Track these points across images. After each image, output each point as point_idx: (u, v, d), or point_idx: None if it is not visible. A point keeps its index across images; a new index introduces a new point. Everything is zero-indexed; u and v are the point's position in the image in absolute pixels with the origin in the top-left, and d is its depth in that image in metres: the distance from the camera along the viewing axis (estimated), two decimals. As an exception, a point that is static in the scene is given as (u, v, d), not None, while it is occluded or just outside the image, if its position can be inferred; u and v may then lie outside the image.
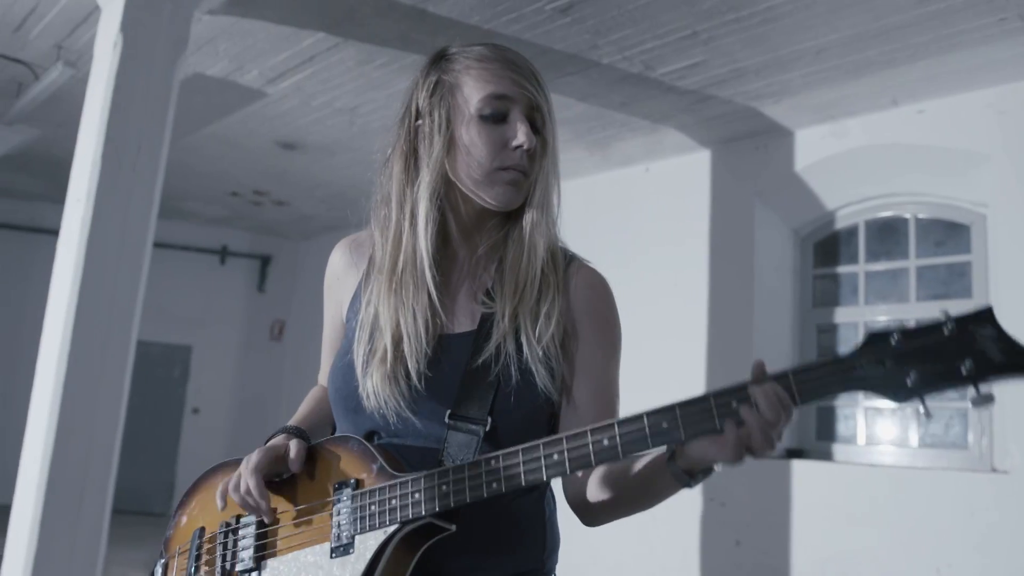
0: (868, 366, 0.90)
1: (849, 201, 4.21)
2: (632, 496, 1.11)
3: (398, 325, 1.17)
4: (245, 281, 7.81)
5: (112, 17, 3.01)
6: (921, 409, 0.89)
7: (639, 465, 1.08)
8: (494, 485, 1.01)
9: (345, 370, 1.21)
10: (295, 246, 7.94)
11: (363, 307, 1.22)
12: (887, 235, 4.13)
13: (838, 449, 4.07)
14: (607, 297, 1.25)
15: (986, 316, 0.91)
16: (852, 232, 4.25)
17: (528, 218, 1.20)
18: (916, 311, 3.93)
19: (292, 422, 1.29)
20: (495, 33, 3.45)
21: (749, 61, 3.53)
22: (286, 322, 7.78)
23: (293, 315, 7.75)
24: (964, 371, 0.87)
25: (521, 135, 1.14)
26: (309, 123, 4.79)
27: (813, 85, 3.70)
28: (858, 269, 4.18)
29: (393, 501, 1.06)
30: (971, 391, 0.88)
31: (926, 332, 0.91)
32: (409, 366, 1.16)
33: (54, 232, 7.10)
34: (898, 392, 0.90)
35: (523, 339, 1.16)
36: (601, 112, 4.23)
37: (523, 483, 0.99)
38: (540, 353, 1.15)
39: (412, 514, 1.05)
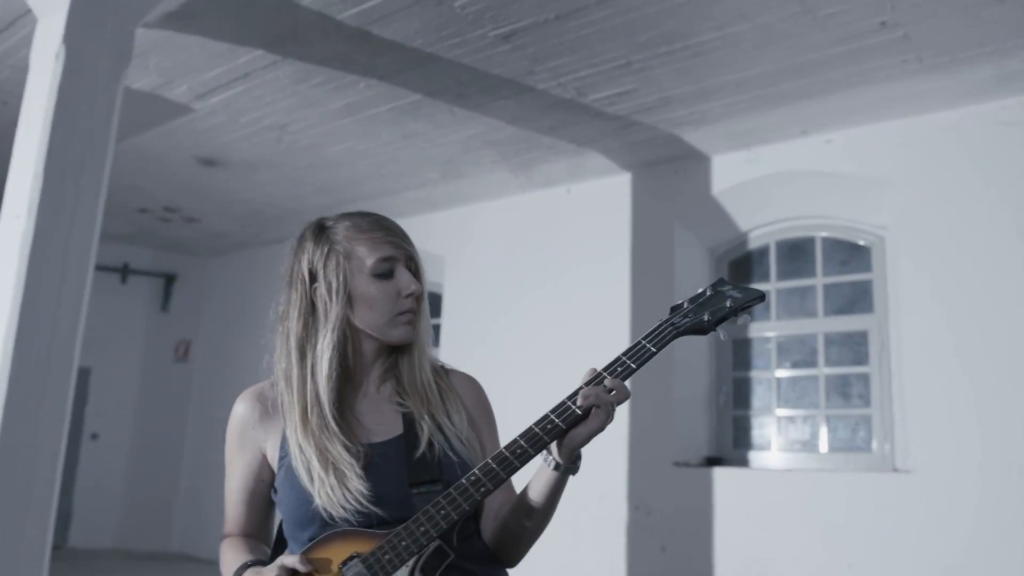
0: (680, 319, 1.48)
1: (761, 223, 4.50)
2: (537, 510, 1.41)
3: (325, 456, 1.41)
4: (148, 300, 7.56)
5: (53, 28, 2.94)
6: (722, 335, 1.48)
7: (533, 487, 1.39)
8: (465, 505, 1.31)
9: (299, 497, 1.41)
10: (203, 264, 7.74)
11: (292, 448, 1.44)
12: (796, 255, 4.43)
13: (754, 456, 4.33)
14: (482, 390, 1.61)
15: (723, 281, 1.54)
16: (764, 252, 4.54)
17: (417, 344, 1.53)
18: (824, 325, 4.24)
19: (238, 565, 1.43)
20: (437, 56, 3.55)
21: (676, 91, 3.75)
22: (192, 342, 7.57)
23: (200, 335, 7.55)
24: (728, 306, 1.46)
25: (410, 285, 1.48)
26: (234, 139, 4.74)
27: (732, 114, 3.96)
28: (770, 287, 4.46)
29: (401, 544, 1.31)
30: (734, 317, 1.46)
31: (702, 295, 1.51)
32: (350, 484, 1.39)
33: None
34: (703, 327, 1.46)
35: (446, 431, 1.47)
36: (529, 135, 4.38)
37: (478, 497, 1.31)
38: (463, 436, 1.49)
39: (424, 541, 1.30)
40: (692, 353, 4.42)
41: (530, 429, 1.34)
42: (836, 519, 3.72)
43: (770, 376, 4.39)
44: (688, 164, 4.49)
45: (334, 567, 1.33)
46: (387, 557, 1.31)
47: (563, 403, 1.35)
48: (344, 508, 1.36)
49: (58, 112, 2.85)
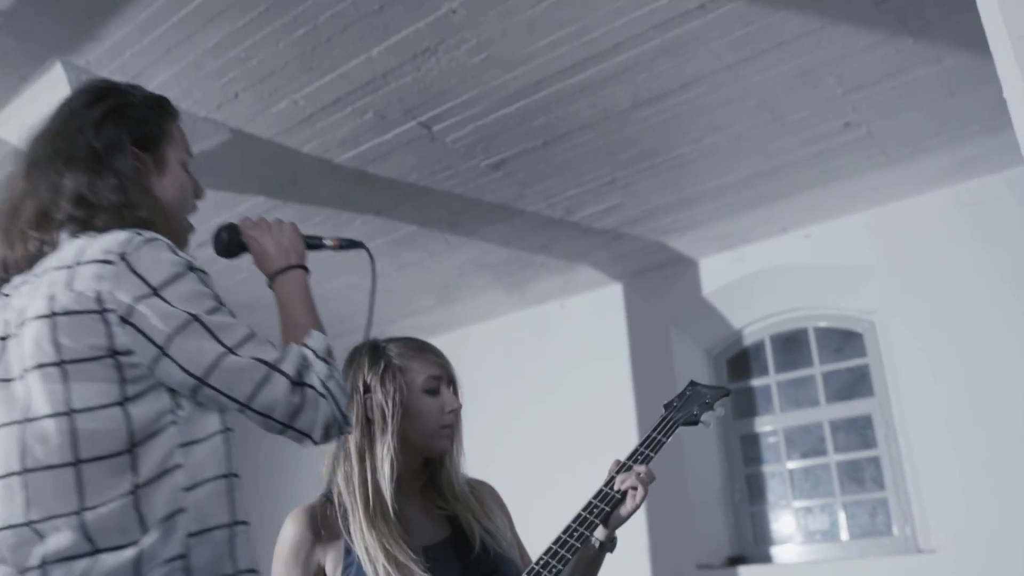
0: (676, 414, 1.81)
1: (754, 319, 4.64)
2: None
3: (391, 553, 1.52)
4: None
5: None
6: (707, 423, 1.83)
7: (576, 570, 1.61)
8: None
9: None
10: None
11: (359, 549, 1.55)
12: (792, 347, 4.56)
13: (776, 551, 4.31)
14: (500, 496, 1.85)
15: (693, 382, 1.92)
16: (759, 347, 4.66)
17: (453, 455, 1.73)
18: (827, 412, 4.32)
19: None
20: (431, 189, 3.74)
21: (659, 201, 3.95)
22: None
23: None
24: (707, 400, 1.83)
25: (453, 402, 1.70)
26: (234, 284, 4.84)
27: (714, 218, 4.15)
28: (770, 380, 4.56)
29: None
30: (707, 414, 1.81)
31: (683, 395, 1.87)
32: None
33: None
34: (694, 419, 1.81)
35: (492, 532, 1.65)
36: (521, 255, 4.54)
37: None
38: (507, 537, 1.69)
39: None
40: (702, 453, 4.46)
41: (580, 515, 1.57)
42: (867, 607, 3.70)
43: (782, 469, 4.43)
44: (677, 269, 4.66)
45: None
46: None
47: (602, 490, 1.62)
48: None
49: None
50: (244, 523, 1.16)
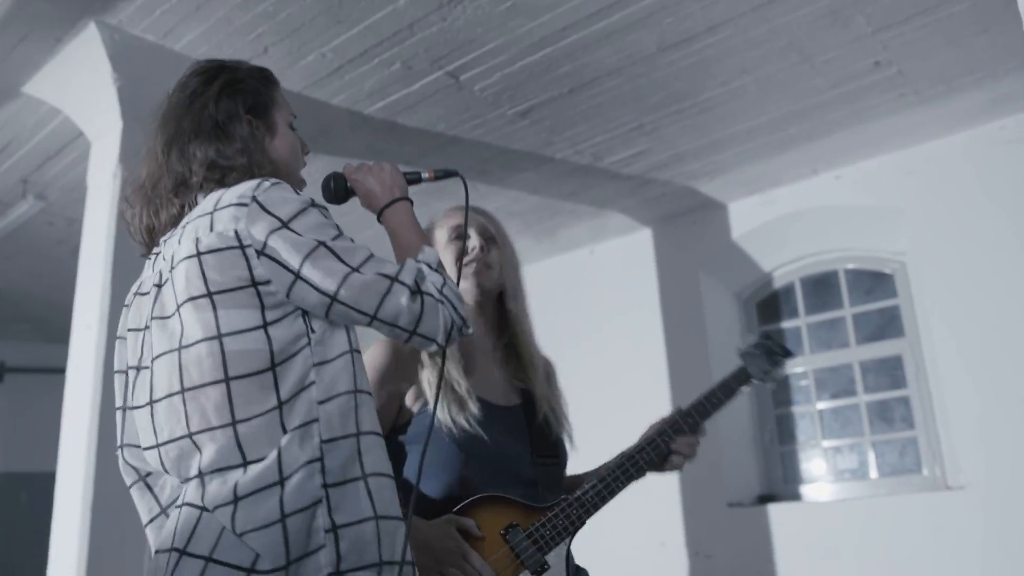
0: (750, 369, 1.91)
1: (783, 262, 4.64)
2: None
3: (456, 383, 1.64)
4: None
5: (108, 150, 3.16)
6: (772, 384, 1.94)
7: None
8: (608, 496, 1.61)
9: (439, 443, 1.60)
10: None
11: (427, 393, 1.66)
12: (821, 289, 4.56)
13: (806, 490, 4.38)
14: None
15: (768, 334, 1.96)
16: (789, 290, 4.67)
17: (525, 328, 1.85)
18: (857, 354, 4.34)
19: None
20: (459, 139, 3.77)
21: (688, 146, 3.95)
22: None
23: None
24: (775, 360, 1.90)
25: (467, 250, 1.82)
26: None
27: (744, 162, 4.14)
28: (800, 322, 4.58)
29: (560, 522, 1.53)
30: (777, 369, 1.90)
31: (759, 345, 1.93)
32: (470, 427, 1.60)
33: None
34: (762, 378, 1.90)
35: (556, 415, 1.74)
36: (550, 203, 4.57)
37: (617, 491, 1.64)
38: (566, 424, 1.79)
39: (579, 524, 1.55)
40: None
41: (630, 457, 1.70)
42: (894, 543, 3.77)
43: (811, 409, 4.47)
44: (706, 213, 4.66)
45: (494, 533, 1.49)
46: (548, 533, 1.51)
47: (655, 440, 1.73)
48: (465, 423, 1.57)
49: (120, 226, 3.05)
50: (371, 433, 1.27)
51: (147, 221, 1.43)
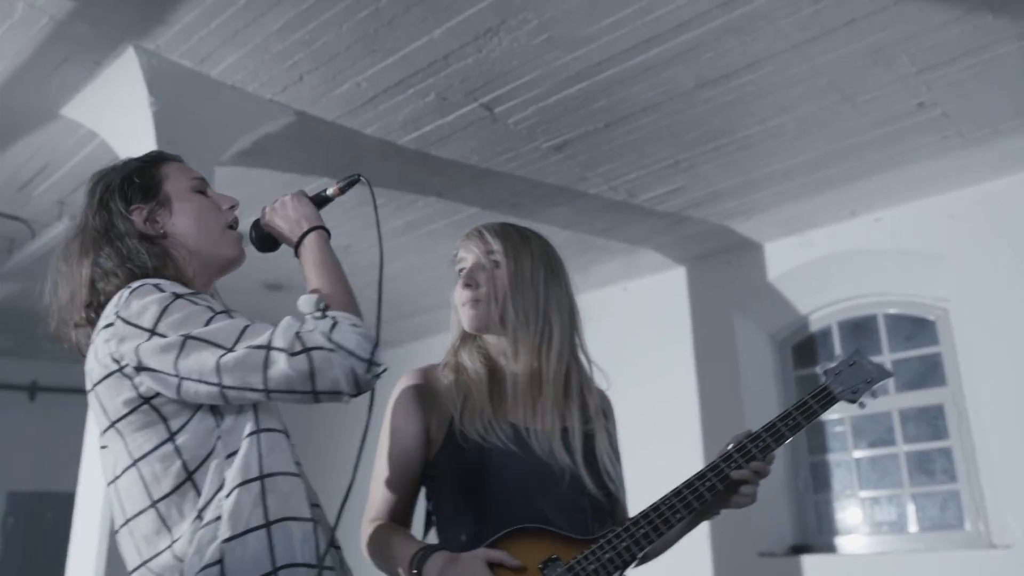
0: (833, 387, 1.62)
1: (820, 305, 4.53)
2: (668, 542, 1.64)
3: (487, 421, 1.55)
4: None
5: (142, 174, 3.18)
6: (863, 405, 1.65)
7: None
8: (662, 527, 1.45)
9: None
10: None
11: (456, 420, 1.57)
12: (860, 333, 4.44)
13: (841, 541, 4.23)
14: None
15: (859, 351, 1.69)
16: (826, 333, 4.55)
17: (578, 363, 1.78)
18: (897, 402, 4.20)
19: (414, 551, 1.47)
20: (492, 171, 3.74)
21: (724, 184, 3.88)
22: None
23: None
24: (868, 378, 1.64)
25: (459, 290, 1.72)
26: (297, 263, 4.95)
27: (781, 202, 4.06)
28: (836, 367, 4.45)
29: (606, 555, 1.39)
30: (869, 388, 1.64)
31: (847, 363, 1.66)
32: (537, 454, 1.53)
33: (19, 388, 6.93)
34: (851, 398, 1.62)
35: (606, 453, 1.64)
36: (583, 238, 4.52)
37: (674, 522, 1.47)
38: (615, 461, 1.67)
39: (628, 558, 1.40)
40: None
41: (692, 485, 1.52)
42: (934, 602, 3.61)
43: (848, 458, 4.33)
44: (742, 253, 4.58)
45: (531, 568, 1.38)
46: (592, 567, 1.39)
47: (719, 466, 1.54)
48: (497, 441, 1.50)
49: (149, 250, 3.06)
50: (284, 520, 1.21)
51: (77, 341, 1.40)
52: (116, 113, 3.16)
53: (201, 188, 1.49)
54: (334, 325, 1.20)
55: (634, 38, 2.84)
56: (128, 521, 1.23)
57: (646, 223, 4.31)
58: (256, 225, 1.51)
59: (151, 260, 1.35)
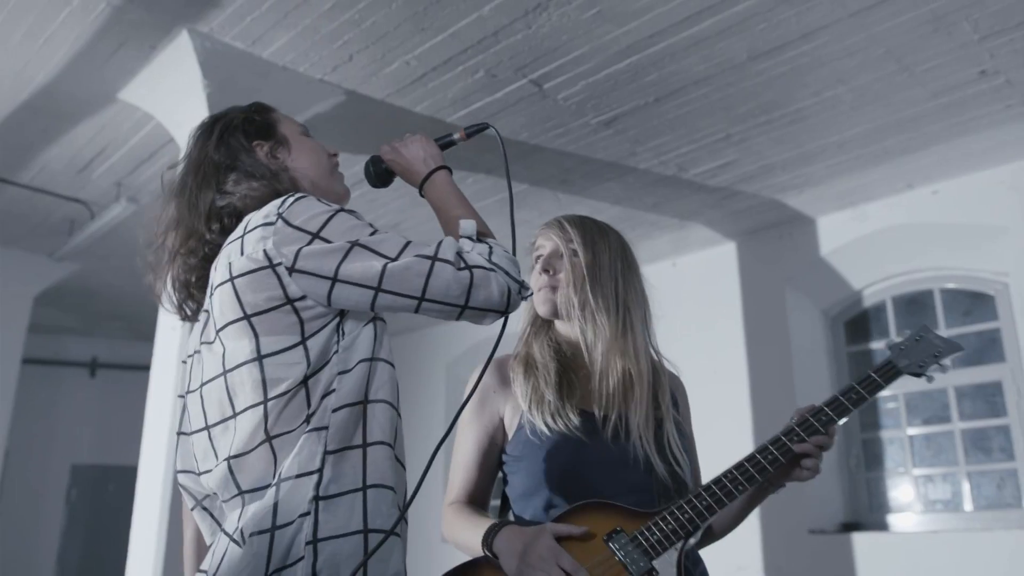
0: (897, 362, 1.58)
1: (874, 280, 4.45)
2: (738, 517, 1.66)
3: (557, 408, 1.58)
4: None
5: (197, 155, 3.24)
6: (930, 378, 1.59)
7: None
8: (724, 499, 1.46)
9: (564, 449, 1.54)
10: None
11: (525, 410, 1.62)
12: (915, 309, 4.36)
13: (893, 519, 4.18)
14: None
15: (926, 327, 1.65)
16: (880, 309, 4.48)
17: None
18: (952, 378, 4.12)
19: (486, 529, 1.51)
20: (542, 147, 3.73)
21: (777, 157, 3.82)
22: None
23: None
24: (935, 352, 1.59)
25: (536, 277, 1.76)
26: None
27: (835, 175, 3.99)
28: (891, 343, 4.38)
29: (668, 526, 1.42)
30: (937, 362, 1.59)
31: (913, 338, 1.62)
32: (603, 437, 1.55)
33: (80, 364, 7.13)
34: (916, 372, 1.58)
35: (678, 429, 1.66)
36: (632, 213, 4.49)
37: (736, 495, 1.47)
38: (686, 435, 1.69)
39: (691, 528, 1.42)
40: (817, 416, 4.35)
41: (755, 459, 1.52)
42: (991, 581, 3.56)
43: (901, 435, 4.27)
44: (794, 228, 4.51)
45: (596, 539, 1.41)
46: (655, 537, 1.41)
47: (781, 440, 1.53)
48: (564, 428, 1.52)
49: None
50: (379, 443, 1.25)
51: (182, 277, 1.43)
52: (171, 96, 3.22)
53: (307, 133, 1.56)
54: (491, 249, 1.28)
55: (685, 10, 2.80)
56: (240, 413, 1.24)
57: (696, 198, 4.27)
58: (376, 160, 1.54)
59: (286, 183, 1.42)
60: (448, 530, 1.59)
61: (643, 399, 1.60)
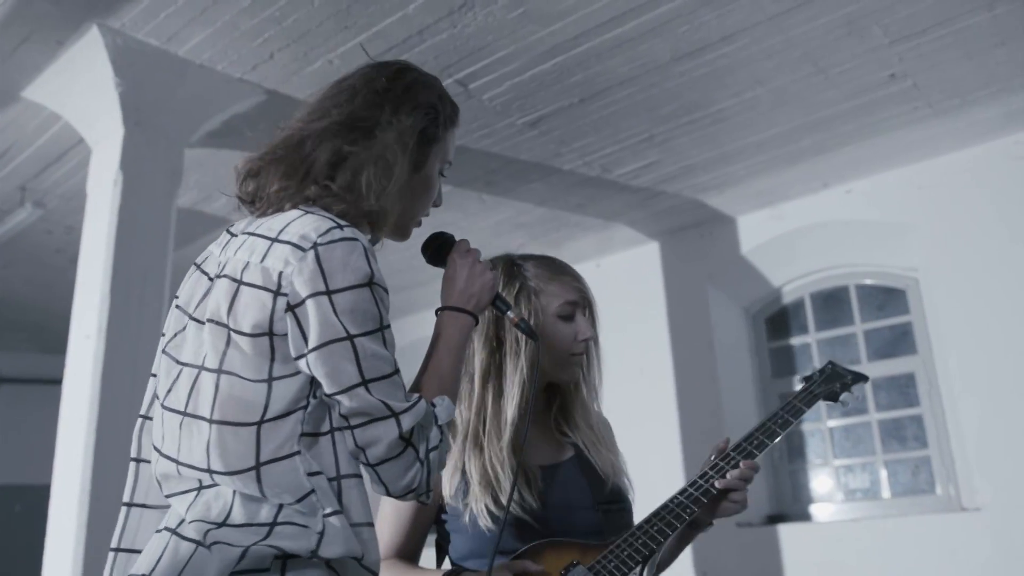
0: (814, 390, 1.69)
1: (793, 277, 4.58)
2: (674, 553, 1.61)
3: (486, 471, 1.48)
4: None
5: (109, 156, 3.10)
6: (845, 403, 1.71)
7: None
8: (672, 521, 1.44)
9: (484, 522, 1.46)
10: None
11: (468, 474, 1.51)
12: (832, 304, 4.50)
13: (816, 509, 4.30)
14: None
15: (832, 363, 1.78)
16: (799, 305, 4.60)
17: (589, 385, 1.65)
18: (869, 371, 4.23)
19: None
20: (467, 148, 3.71)
21: (698, 158, 3.89)
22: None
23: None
24: (843, 384, 1.71)
25: (587, 330, 1.58)
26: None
27: (753, 175, 4.08)
28: (810, 339, 4.51)
29: (624, 553, 1.40)
30: (845, 393, 1.70)
31: (823, 372, 1.74)
32: (528, 497, 1.47)
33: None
34: (832, 397, 1.68)
35: (614, 468, 1.58)
36: (557, 214, 4.51)
37: (686, 518, 1.45)
38: (626, 474, 1.61)
39: (647, 553, 1.39)
40: (740, 412, 4.44)
41: (677, 501, 1.49)
42: (907, 565, 3.68)
43: (822, 427, 4.40)
44: (714, 227, 4.60)
45: (554, 572, 1.39)
46: (613, 564, 1.39)
47: (698, 482, 1.51)
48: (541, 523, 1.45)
49: (119, 233, 2.99)
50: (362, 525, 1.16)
51: (251, 188, 1.30)
52: (80, 94, 3.08)
53: (444, 173, 1.40)
54: (438, 444, 1.17)
55: (610, 11, 2.82)
56: (191, 416, 1.15)
57: (620, 198, 4.31)
58: (447, 245, 1.40)
59: (373, 201, 1.25)
60: None
61: (591, 440, 1.60)
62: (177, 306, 1.27)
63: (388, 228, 1.31)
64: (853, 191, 4.17)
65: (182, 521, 1.12)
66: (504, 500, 1.42)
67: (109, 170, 3.08)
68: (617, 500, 1.54)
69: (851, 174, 4.12)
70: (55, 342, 3.46)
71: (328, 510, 1.11)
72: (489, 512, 1.43)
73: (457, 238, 1.41)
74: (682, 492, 1.49)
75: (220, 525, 1.09)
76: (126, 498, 1.24)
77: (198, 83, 3.09)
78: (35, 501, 3.32)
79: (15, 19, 2.77)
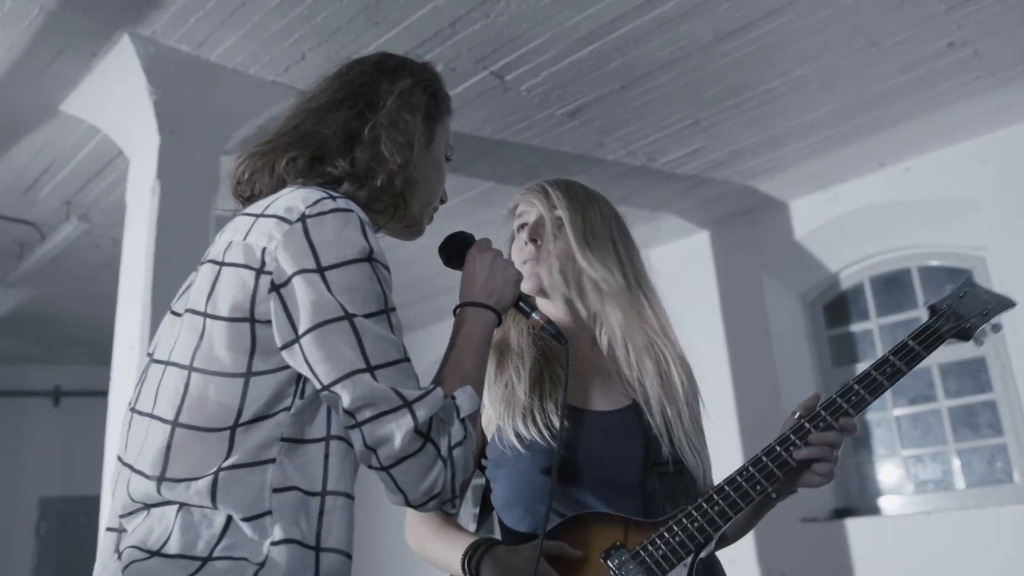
0: (939, 326, 1.36)
1: (851, 261, 4.40)
2: (745, 525, 1.45)
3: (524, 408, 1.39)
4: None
5: (146, 166, 3.08)
6: (979, 340, 1.39)
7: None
8: (737, 501, 1.25)
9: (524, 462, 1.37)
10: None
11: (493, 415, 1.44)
12: (894, 288, 4.31)
13: (885, 502, 4.12)
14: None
15: (971, 281, 1.43)
16: (858, 290, 4.42)
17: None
18: (936, 356, 4.07)
19: (467, 547, 1.32)
20: (506, 142, 3.62)
21: (746, 142, 3.75)
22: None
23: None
24: (982, 311, 1.38)
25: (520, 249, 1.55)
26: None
27: (805, 157, 3.92)
28: (871, 325, 4.33)
29: (675, 538, 1.24)
30: (985, 326, 1.38)
31: (955, 295, 1.39)
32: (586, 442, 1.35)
33: (43, 394, 6.90)
34: (964, 334, 1.37)
35: (683, 420, 1.45)
36: (602, 206, 4.39)
37: (755, 497, 1.26)
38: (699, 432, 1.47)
39: (703, 540, 1.23)
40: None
41: (753, 469, 1.30)
42: (984, 560, 3.50)
43: (888, 416, 4.21)
44: (766, 213, 4.44)
45: (592, 555, 1.25)
46: (660, 552, 1.24)
47: (775, 448, 1.31)
48: (539, 437, 1.33)
49: (159, 243, 2.97)
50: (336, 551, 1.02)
51: (247, 177, 1.21)
52: (115, 105, 3.07)
53: (450, 157, 1.34)
54: (463, 441, 1.02)
55: (648, -9, 2.71)
56: (149, 415, 1.03)
57: (666, 187, 4.19)
58: (465, 243, 1.34)
59: (396, 186, 1.16)
60: (415, 540, 1.41)
61: (659, 385, 1.42)
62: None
63: (415, 206, 1.22)
64: (912, 169, 3.98)
65: (124, 542, 1.01)
66: (546, 424, 1.33)
67: (146, 180, 3.07)
68: (677, 459, 1.38)
69: (909, 151, 3.93)
70: (109, 355, 3.47)
71: (278, 537, 0.96)
72: (527, 441, 1.33)
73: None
74: (754, 462, 1.28)
75: (152, 554, 0.96)
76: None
77: (231, 88, 3.05)
78: (97, 513, 3.33)
79: (48, 32, 2.76)
